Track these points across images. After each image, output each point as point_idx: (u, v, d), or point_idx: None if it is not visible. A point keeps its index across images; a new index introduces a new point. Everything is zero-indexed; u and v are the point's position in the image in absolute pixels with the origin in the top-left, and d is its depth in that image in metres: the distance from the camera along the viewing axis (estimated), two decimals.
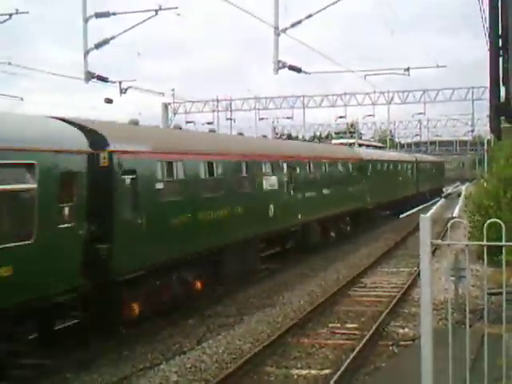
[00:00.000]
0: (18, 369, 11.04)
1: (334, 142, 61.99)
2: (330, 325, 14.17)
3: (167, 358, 11.91)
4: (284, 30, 19.99)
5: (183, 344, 12.92)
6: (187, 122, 51.49)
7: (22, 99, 37.82)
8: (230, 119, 55.69)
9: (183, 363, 11.52)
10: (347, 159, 29.66)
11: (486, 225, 5.10)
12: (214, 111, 55.62)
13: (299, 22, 20.33)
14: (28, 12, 24.13)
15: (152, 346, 12.82)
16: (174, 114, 54.19)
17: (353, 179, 29.71)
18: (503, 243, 5.00)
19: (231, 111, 56.28)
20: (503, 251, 5.07)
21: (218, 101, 55.15)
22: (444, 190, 68.21)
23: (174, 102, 53.20)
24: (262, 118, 58.30)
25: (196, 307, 15.65)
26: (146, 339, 13.25)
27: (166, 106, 53.19)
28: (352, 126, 68.43)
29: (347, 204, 28.03)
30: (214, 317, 15.12)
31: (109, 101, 35.44)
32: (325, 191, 25.17)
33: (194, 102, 55.17)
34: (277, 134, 61.10)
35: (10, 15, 23.76)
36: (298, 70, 22.97)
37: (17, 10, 23.69)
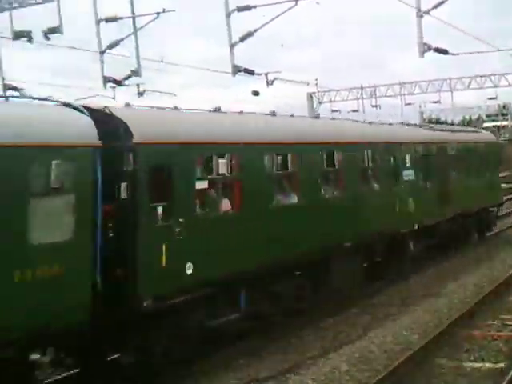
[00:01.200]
0: None
1: (485, 125, 59.33)
2: (501, 316, 13.54)
3: (335, 347, 11.91)
4: (427, 12, 19.25)
5: (349, 333, 12.89)
6: (333, 111, 51.38)
7: (175, 95, 39.28)
8: (376, 106, 54.80)
9: (351, 352, 11.48)
10: None
11: None
12: (358, 99, 54.99)
13: (442, 2, 19.48)
14: (174, 10, 24.99)
15: (318, 335, 12.89)
16: (319, 103, 54.23)
17: None
18: None
19: (376, 98, 55.32)
20: None
21: (362, 88, 54.41)
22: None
23: (318, 92, 53.17)
24: (408, 104, 56.72)
25: (357, 296, 15.59)
26: (310, 326, 13.36)
27: (310, 96, 53.31)
28: (504, 107, 65.03)
29: None
30: (377, 306, 14.95)
31: (256, 93, 35.99)
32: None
33: (338, 90, 54.85)
34: (424, 119, 59.38)
35: (158, 13, 24.73)
36: (445, 52, 22.01)
37: (164, 8, 24.60)
